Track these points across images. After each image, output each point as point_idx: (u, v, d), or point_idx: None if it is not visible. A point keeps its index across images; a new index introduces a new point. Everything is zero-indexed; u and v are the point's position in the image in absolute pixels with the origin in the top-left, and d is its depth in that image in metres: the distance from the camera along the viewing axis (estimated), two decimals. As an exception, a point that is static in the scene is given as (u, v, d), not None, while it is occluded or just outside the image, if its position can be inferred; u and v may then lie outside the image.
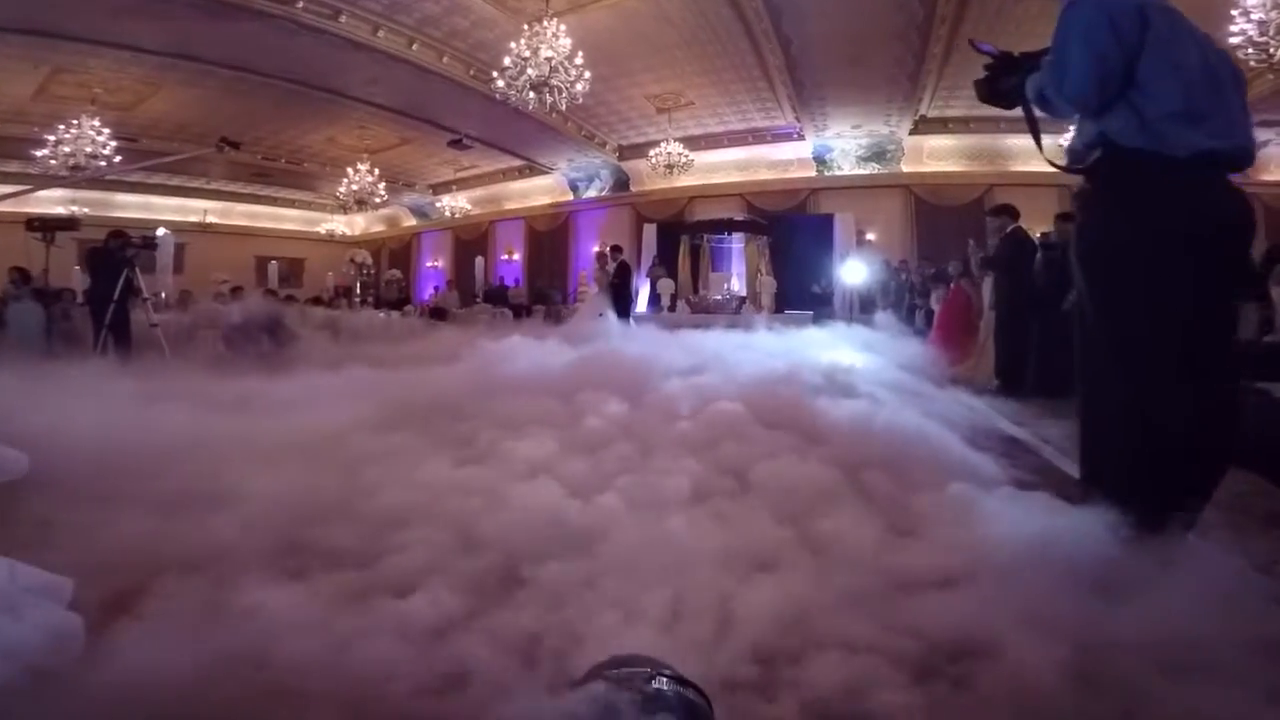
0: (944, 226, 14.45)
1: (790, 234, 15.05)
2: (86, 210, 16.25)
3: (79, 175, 12.33)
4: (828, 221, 15.14)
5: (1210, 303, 1.61)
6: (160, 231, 7.89)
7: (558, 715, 0.73)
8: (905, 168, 15.12)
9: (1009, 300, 5.98)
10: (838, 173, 15.63)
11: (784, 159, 15.76)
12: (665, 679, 0.75)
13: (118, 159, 12.45)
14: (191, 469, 2.26)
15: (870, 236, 15.10)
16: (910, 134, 14.27)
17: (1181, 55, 1.68)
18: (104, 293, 5.99)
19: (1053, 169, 2.02)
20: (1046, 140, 8.72)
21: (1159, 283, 1.62)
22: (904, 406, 3.60)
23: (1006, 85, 2.04)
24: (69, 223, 6.61)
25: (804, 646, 1.41)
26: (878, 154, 15.21)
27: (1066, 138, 12.45)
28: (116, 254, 6.21)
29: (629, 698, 0.71)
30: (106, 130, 12.29)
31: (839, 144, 15.14)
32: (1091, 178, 1.81)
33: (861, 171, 15.44)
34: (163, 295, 9.72)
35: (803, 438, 2.83)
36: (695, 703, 0.74)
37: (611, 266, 10.19)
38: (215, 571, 1.63)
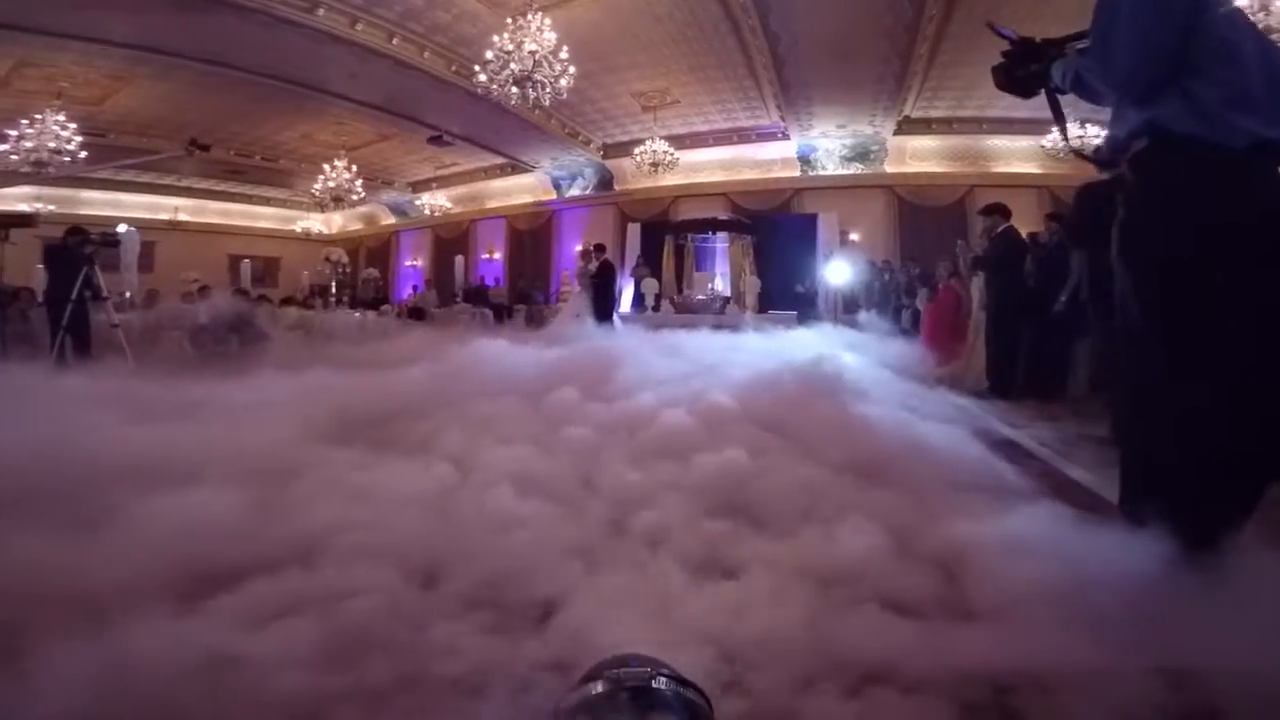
0: (926, 227, 14.53)
1: (774, 234, 15.01)
2: (52, 207, 15.82)
3: (44, 175, 11.92)
4: (811, 221, 15.13)
5: (1269, 302, 1.48)
6: (121, 228, 7.55)
7: (556, 714, 0.72)
8: (888, 168, 15.13)
9: (1000, 301, 5.91)
10: (821, 173, 15.61)
11: (768, 159, 15.70)
12: (665, 678, 0.74)
13: (83, 154, 12.06)
14: (112, 483, 2.07)
15: (853, 237, 15.10)
16: (894, 134, 14.27)
17: (1238, 39, 1.56)
18: (61, 292, 5.70)
19: (1062, 163, 1.90)
20: (1027, 142, 8.65)
21: (1213, 281, 1.50)
22: (926, 415, 3.48)
23: (1026, 72, 1.93)
24: (25, 219, 6.30)
25: (826, 679, 1.27)
26: (861, 154, 15.22)
27: (1050, 138, 12.42)
28: (75, 252, 5.92)
29: (628, 697, 0.71)
30: (72, 125, 11.91)
31: (823, 144, 15.12)
32: (1136, 168, 1.68)
33: (845, 172, 15.43)
34: (127, 295, 9.38)
35: (809, 444, 2.70)
36: (695, 703, 0.73)
37: (594, 265, 9.92)
38: (117, 599, 1.45)
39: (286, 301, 12.90)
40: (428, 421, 3.11)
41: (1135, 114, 1.63)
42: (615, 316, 10.34)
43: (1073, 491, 2.60)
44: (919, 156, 14.92)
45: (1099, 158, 1.90)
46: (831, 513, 2.05)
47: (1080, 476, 2.91)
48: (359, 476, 2.33)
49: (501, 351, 4.66)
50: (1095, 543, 1.56)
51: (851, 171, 15.39)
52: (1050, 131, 12.18)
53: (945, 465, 2.56)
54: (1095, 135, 11.81)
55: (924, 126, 14.06)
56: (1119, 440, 1.74)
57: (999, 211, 6.08)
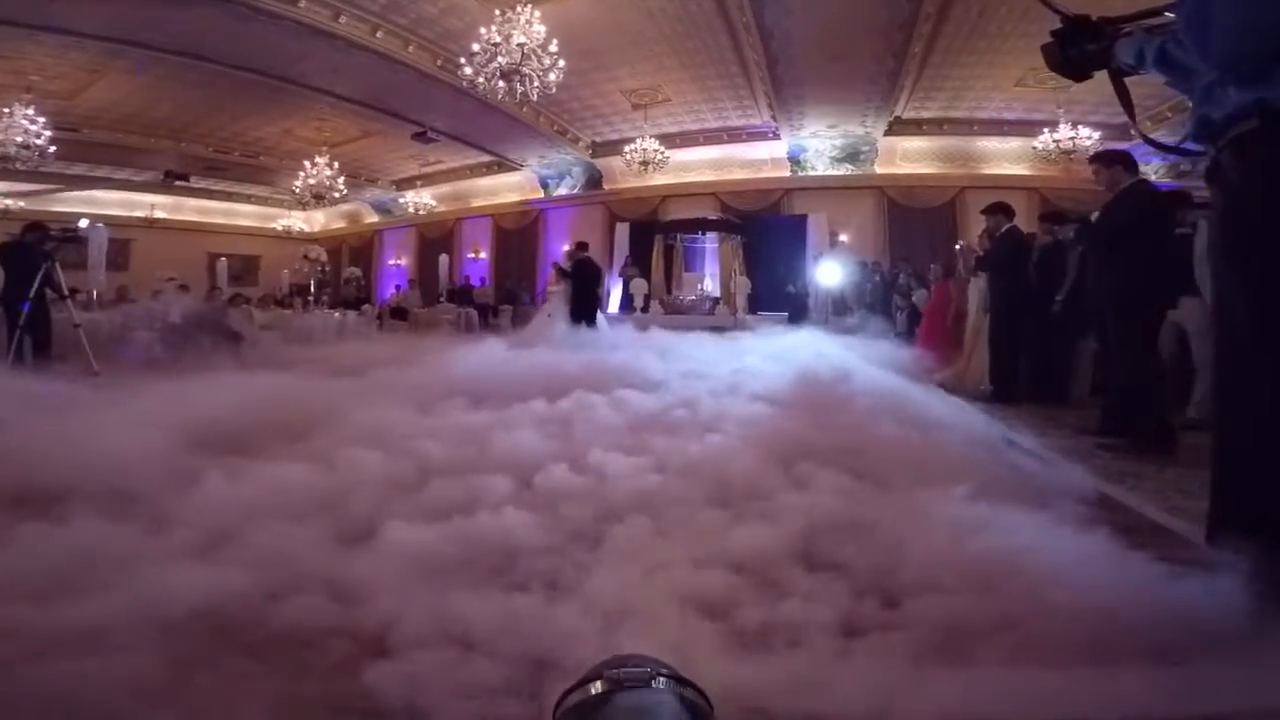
0: (916, 228, 14.51)
1: (764, 234, 14.98)
2: (22, 204, 15.40)
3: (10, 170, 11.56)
4: (801, 222, 15.06)
5: None
6: (83, 222, 7.18)
7: (556, 714, 0.71)
8: (879, 169, 15.07)
9: (1004, 302, 5.76)
10: (811, 173, 15.51)
11: (758, 158, 15.58)
12: (665, 678, 0.73)
13: (52, 149, 11.73)
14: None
15: (843, 238, 15.02)
16: (885, 135, 14.19)
17: None
18: (18, 291, 5.40)
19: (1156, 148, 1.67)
20: (1017, 143, 8.48)
21: None
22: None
23: (1080, 52, 1.77)
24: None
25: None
26: (852, 155, 15.14)
27: (1041, 140, 12.19)
28: (34, 249, 5.64)
29: (629, 696, 0.70)
30: (41, 119, 11.59)
31: (814, 144, 15.02)
32: (1241, 153, 1.48)
33: (835, 172, 15.34)
34: (94, 293, 9.04)
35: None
36: (696, 703, 0.72)
37: (568, 265, 9.24)
38: None
39: (263, 301, 12.56)
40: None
41: (1237, 93, 1.44)
42: (602, 317, 9.82)
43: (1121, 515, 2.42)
44: (909, 157, 14.87)
45: (1180, 144, 1.69)
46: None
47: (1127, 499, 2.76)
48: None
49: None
50: (1175, 580, 1.37)
51: (842, 172, 15.32)
52: (1042, 132, 12.14)
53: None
54: (1087, 136, 11.81)
55: (915, 127, 14.00)
56: (1216, 452, 1.53)
57: (1002, 211, 5.93)
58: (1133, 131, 1.88)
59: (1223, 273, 1.49)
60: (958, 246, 7.61)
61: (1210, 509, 1.53)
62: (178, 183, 7.02)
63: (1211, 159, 1.55)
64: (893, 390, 4.00)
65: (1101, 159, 4.09)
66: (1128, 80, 1.77)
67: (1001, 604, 1.46)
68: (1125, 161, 3.91)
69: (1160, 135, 2.05)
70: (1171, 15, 1.56)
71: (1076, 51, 1.77)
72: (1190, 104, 1.55)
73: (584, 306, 8.92)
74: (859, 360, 5.26)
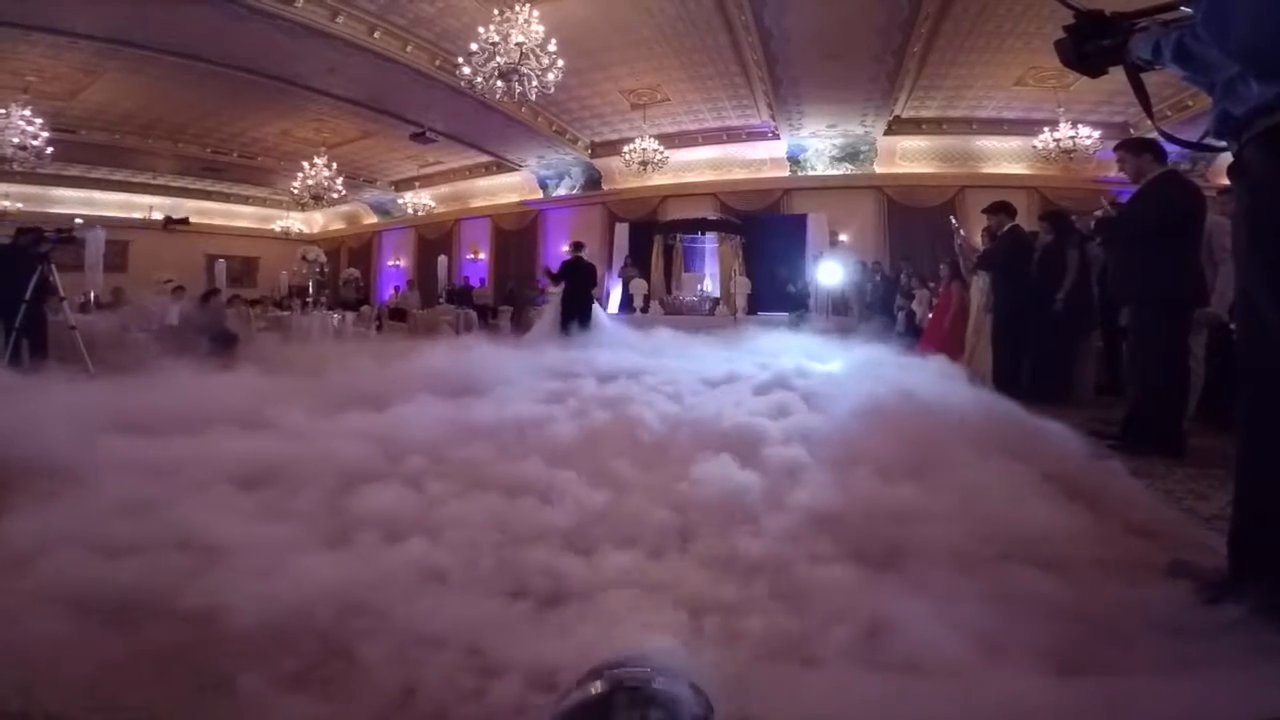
0: (916, 228, 14.45)
1: (763, 234, 14.91)
2: (20, 205, 15.35)
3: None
4: (801, 222, 14.98)
5: None
6: (78, 223, 7.12)
7: (556, 714, 0.71)
8: (878, 169, 15.03)
9: (1006, 301, 5.73)
10: (811, 173, 15.47)
11: (758, 158, 15.54)
12: (665, 678, 0.73)
13: (49, 150, 11.70)
14: None
15: (843, 238, 14.97)
16: (884, 134, 14.15)
17: None
18: (14, 294, 5.35)
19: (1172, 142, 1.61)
20: (1016, 142, 8.46)
21: None
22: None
23: (1095, 48, 1.73)
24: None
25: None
26: (851, 154, 15.10)
27: (1041, 139, 12.14)
28: (28, 251, 5.59)
29: (629, 697, 0.70)
30: (39, 120, 11.56)
31: (813, 144, 14.98)
32: (1267, 149, 1.43)
33: (835, 172, 15.30)
34: (91, 295, 8.99)
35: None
36: (695, 703, 0.72)
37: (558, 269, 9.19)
38: None
39: (261, 302, 12.51)
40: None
41: (1259, 88, 1.40)
42: (602, 314, 9.68)
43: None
44: (908, 157, 14.83)
45: (1201, 139, 1.65)
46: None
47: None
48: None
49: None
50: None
51: (841, 172, 15.27)
52: (1042, 131, 12.10)
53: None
54: (1086, 135, 11.78)
55: (914, 127, 13.96)
56: (1240, 467, 1.49)
57: (1004, 210, 5.90)
58: (1148, 125, 1.84)
59: (1247, 271, 1.44)
60: (952, 219, 7.53)
61: (1233, 520, 1.49)
62: (179, 228, 7.05)
63: (1234, 155, 1.51)
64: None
65: (1128, 147, 3.91)
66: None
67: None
68: (1153, 150, 3.69)
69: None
70: (1188, 9, 1.52)
71: (1092, 47, 1.74)
72: (1211, 99, 1.51)
73: (575, 307, 8.93)
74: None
